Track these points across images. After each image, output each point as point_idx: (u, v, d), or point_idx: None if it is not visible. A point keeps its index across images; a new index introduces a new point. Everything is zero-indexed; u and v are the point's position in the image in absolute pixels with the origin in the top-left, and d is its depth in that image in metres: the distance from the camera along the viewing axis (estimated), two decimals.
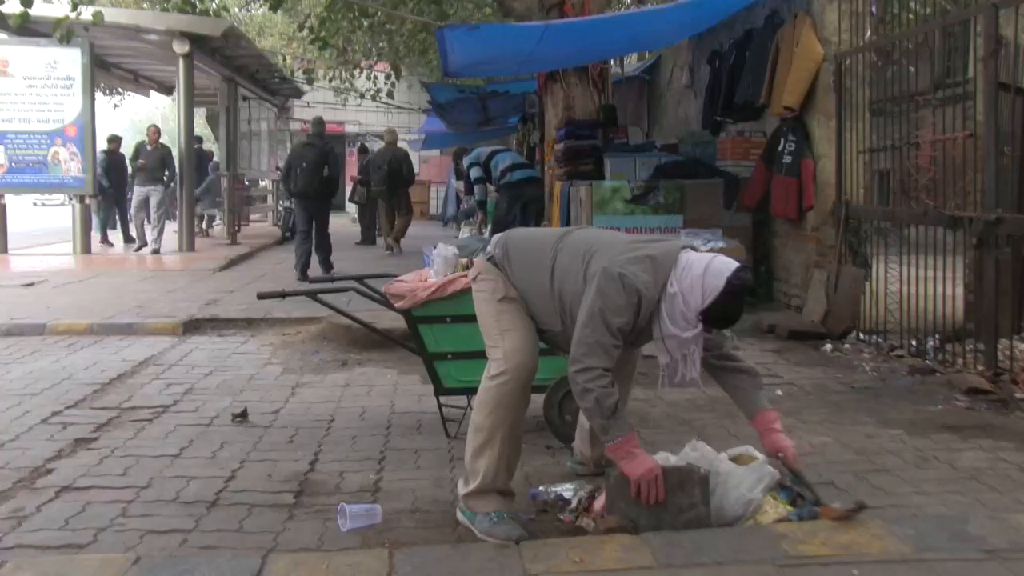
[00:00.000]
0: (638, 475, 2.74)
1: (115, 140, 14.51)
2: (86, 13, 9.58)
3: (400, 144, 15.31)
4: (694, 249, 2.88)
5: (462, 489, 2.97)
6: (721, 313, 2.71)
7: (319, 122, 10.81)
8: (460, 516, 2.98)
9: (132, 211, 13.66)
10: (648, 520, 2.76)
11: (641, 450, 2.79)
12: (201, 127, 25.79)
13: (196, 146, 14.15)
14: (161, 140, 13.57)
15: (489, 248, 3.17)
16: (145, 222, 13.33)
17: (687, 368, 2.80)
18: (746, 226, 7.74)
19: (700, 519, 2.79)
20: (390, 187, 13.43)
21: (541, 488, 3.20)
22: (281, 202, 17.71)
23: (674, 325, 2.75)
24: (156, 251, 12.54)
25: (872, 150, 6.48)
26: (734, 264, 2.74)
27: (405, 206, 13.69)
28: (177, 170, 13.41)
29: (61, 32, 9.49)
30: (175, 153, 13.67)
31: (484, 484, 2.91)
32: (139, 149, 13.41)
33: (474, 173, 10.85)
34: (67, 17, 9.24)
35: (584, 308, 2.77)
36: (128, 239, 13.90)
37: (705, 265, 2.73)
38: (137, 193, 13.15)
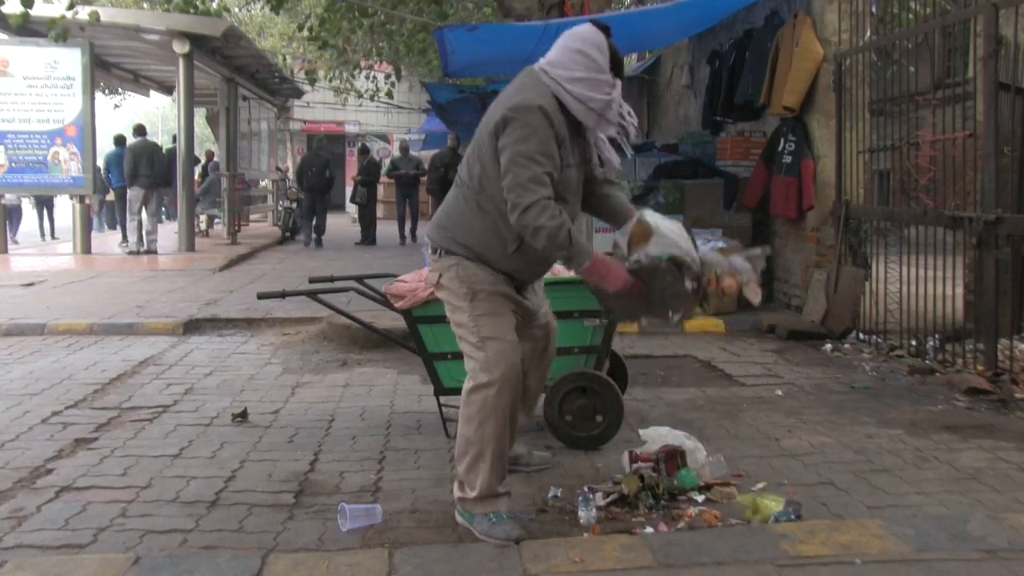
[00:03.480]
0: (617, 288, 2.84)
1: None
2: (83, 13, 9.59)
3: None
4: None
5: (458, 494, 2.95)
6: (613, 49, 2.84)
7: (321, 139, 16.50)
8: (459, 518, 2.98)
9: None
10: (640, 304, 2.95)
11: (610, 261, 2.88)
12: (201, 127, 25.85)
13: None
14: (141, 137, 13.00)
15: (432, 245, 3.02)
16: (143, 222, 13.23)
17: (630, 124, 2.94)
18: (746, 226, 7.74)
19: (680, 294, 2.85)
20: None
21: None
22: (281, 202, 17.72)
23: (599, 92, 2.83)
24: (132, 252, 12.41)
25: (872, 150, 6.48)
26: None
27: None
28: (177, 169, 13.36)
29: (56, 31, 9.50)
30: (177, 153, 13.62)
31: (482, 493, 2.89)
32: None
33: None
34: (63, 17, 9.25)
35: (501, 161, 2.76)
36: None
37: (567, 45, 2.85)
38: None
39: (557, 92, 2.84)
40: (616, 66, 2.87)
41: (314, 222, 14.80)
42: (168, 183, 13.17)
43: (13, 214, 17.86)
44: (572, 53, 2.85)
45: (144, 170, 12.43)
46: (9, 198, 15.97)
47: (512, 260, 2.93)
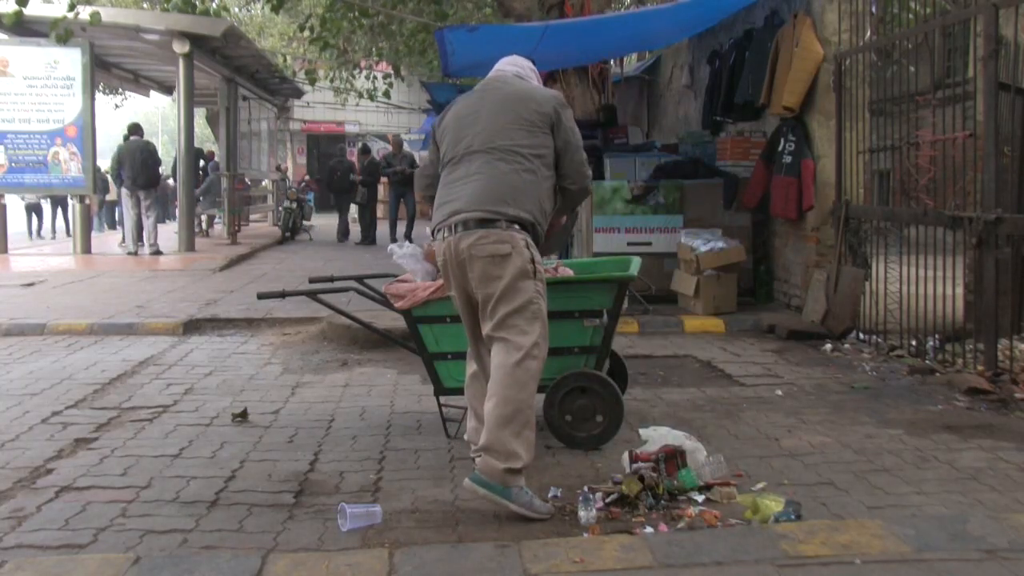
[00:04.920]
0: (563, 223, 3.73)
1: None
2: (84, 13, 9.59)
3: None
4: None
5: (502, 465, 2.97)
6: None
7: (342, 150, 18.75)
8: (481, 489, 2.98)
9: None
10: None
11: None
12: (201, 127, 25.87)
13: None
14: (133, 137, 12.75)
15: (493, 218, 3.13)
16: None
17: None
18: (746, 226, 7.73)
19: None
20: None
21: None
22: (281, 202, 17.73)
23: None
24: (131, 252, 12.46)
25: (872, 150, 6.48)
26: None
27: None
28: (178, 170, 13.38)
29: (58, 32, 9.51)
30: (175, 153, 13.67)
31: (528, 459, 3.04)
32: None
33: None
34: (64, 17, 9.25)
35: (574, 140, 3.34)
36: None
37: (522, 64, 3.55)
38: None
39: None
40: None
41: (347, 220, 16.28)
42: (148, 184, 12.58)
43: (35, 211, 19.14)
44: (533, 73, 3.55)
45: (126, 171, 12.39)
46: (30, 197, 16.59)
47: (547, 220, 3.38)
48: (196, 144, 17.05)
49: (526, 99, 3.31)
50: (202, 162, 16.87)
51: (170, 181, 16.87)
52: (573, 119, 3.38)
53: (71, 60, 11.97)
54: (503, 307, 3.11)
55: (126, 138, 12.80)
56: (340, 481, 3.46)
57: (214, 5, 15.13)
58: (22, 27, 10.61)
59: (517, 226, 3.15)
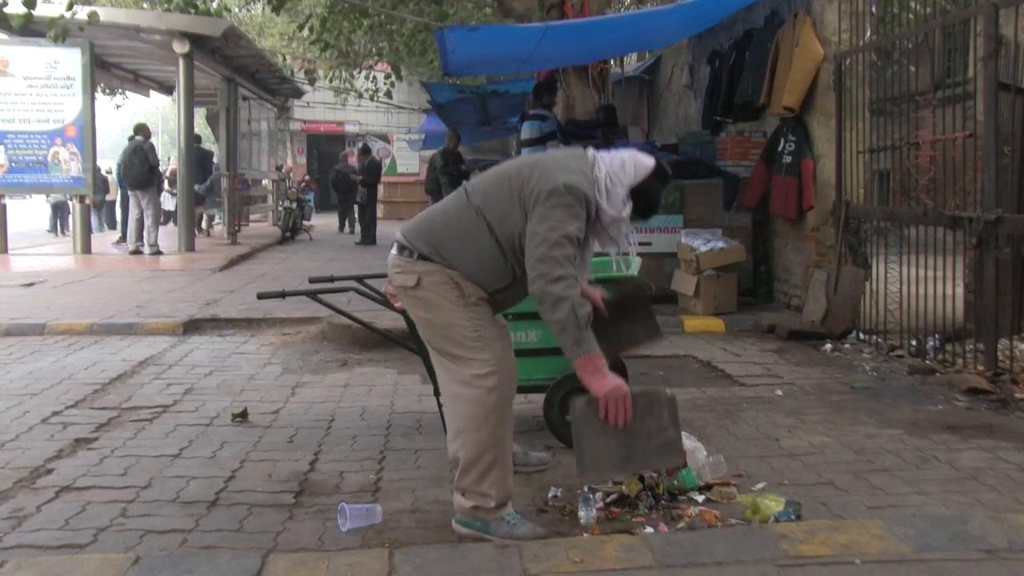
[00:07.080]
0: (607, 391, 2.61)
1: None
2: (83, 13, 9.59)
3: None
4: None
5: (470, 504, 2.85)
6: (648, 192, 2.86)
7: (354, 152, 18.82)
8: (464, 529, 2.89)
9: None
10: (618, 450, 2.61)
11: (607, 369, 2.67)
12: (201, 127, 25.90)
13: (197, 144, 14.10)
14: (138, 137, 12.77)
15: (407, 247, 2.90)
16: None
17: (631, 247, 2.95)
18: (746, 226, 7.73)
19: (671, 443, 2.65)
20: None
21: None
22: (281, 202, 17.73)
23: (612, 207, 2.80)
24: (133, 251, 12.52)
25: (872, 150, 6.48)
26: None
27: None
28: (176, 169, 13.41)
29: (55, 31, 9.51)
30: (174, 153, 13.72)
31: (501, 500, 2.84)
32: None
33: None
34: (61, 16, 9.25)
35: (539, 229, 2.67)
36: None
37: (629, 153, 2.90)
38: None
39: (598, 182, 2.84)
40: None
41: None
42: (137, 184, 12.35)
43: (60, 209, 19.68)
44: (625, 172, 2.87)
45: (123, 172, 12.48)
46: (56, 195, 17.57)
47: (492, 294, 2.89)
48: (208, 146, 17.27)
49: (528, 170, 2.83)
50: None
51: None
52: (568, 213, 2.70)
53: (71, 60, 11.97)
54: (438, 333, 2.86)
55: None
56: (340, 481, 3.46)
57: (214, 5, 15.15)
58: (23, 27, 10.60)
59: (429, 261, 2.84)
